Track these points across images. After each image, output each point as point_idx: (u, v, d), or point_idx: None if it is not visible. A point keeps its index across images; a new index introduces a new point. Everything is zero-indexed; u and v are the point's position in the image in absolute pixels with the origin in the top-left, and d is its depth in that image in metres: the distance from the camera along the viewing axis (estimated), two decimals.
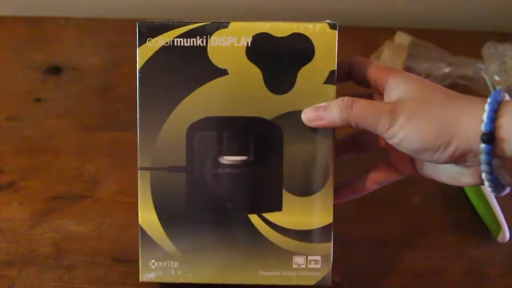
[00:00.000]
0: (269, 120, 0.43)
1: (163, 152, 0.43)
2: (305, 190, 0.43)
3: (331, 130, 0.43)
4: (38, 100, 0.63)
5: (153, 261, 0.45)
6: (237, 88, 0.43)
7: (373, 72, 0.43)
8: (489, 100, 0.37)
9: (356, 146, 0.48)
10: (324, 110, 0.42)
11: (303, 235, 0.44)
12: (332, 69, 0.42)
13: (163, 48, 0.42)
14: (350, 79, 0.45)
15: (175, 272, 0.45)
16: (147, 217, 0.44)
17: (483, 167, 0.37)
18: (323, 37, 0.42)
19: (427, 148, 0.38)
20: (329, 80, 0.42)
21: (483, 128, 0.36)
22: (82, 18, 0.70)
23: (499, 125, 0.36)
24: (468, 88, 0.65)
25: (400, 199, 0.56)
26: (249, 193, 0.44)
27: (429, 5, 0.73)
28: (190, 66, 0.42)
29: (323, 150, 0.43)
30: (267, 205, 0.44)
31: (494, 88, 0.65)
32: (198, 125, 0.43)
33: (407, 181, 0.56)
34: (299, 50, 0.42)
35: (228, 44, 0.42)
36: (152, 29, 0.42)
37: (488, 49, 0.66)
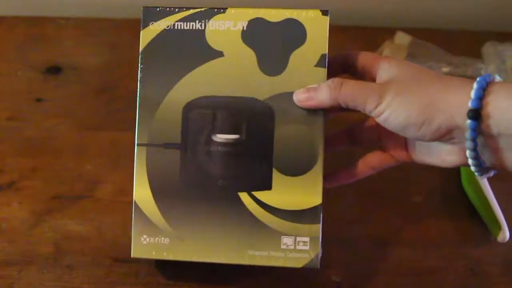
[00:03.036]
0: (261, 100, 0.44)
1: (160, 129, 0.45)
2: (294, 170, 0.44)
3: (321, 112, 0.44)
4: (38, 100, 0.63)
5: (145, 236, 0.45)
6: (232, 69, 0.44)
7: (366, 60, 0.44)
8: (478, 79, 0.37)
9: (351, 138, 0.49)
10: (314, 90, 0.43)
11: (292, 215, 0.44)
12: (323, 53, 0.44)
13: (164, 31, 0.45)
14: (346, 72, 0.46)
15: (165, 249, 0.45)
16: (141, 192, 0.45)
17: (468, 143, 0.38)
18: (315, 22, 0.44)
19: (411, 123, 0.39)
20: (320, 63, 0.44)
21: (470, 104, 0.37)
22: (82, 18, 0.70)
23: (486, 103, 0.36)
24: None
25: (401, 198, 0.56)
26: (239, 171, 0.45)
27: (429, 5, 0.73)
28: (188, 48, 0.45)
29: (314, 131, 0.44)
30: (257, 183, 0.45)
31: None
32: (194, 104, 0.45)
33: (408, 180, 0.57)
34: (291, 34, 0.44)
35: (225, 28, 0.45)
36: (155, 13, 0.45)
37: (488, 49, 0.65)
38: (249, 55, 0.44)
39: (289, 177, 0.44)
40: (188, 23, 0.45)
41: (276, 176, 0.44)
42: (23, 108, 0.62)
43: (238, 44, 0.44)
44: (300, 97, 0.44)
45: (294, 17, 0.44)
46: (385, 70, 0.42)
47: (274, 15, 0.44)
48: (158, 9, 0.45)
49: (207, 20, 0.45)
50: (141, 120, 0.45)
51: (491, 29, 0.69)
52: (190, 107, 0.45)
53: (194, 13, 0.45)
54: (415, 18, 0.73)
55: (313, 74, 0.44)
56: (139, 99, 0.45)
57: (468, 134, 0.37)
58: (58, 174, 0.57)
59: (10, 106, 0.62)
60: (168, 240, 0.45)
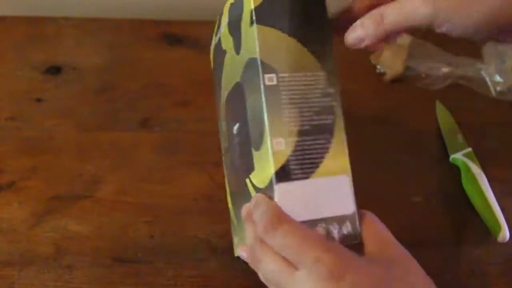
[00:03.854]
0: (239, 81, 0.41)
1: (224, 136, 0.48)
2: (256, 143, 0.39)
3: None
4: (38, 100, 0.63)
5: (235, 237, 0.47)
6: (230, 63, 0.44)
7: None
8: None
9: None
10: (361, 28, 0.37)
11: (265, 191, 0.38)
12: (250, 8, 0.38)
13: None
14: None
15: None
16: (228, 196, 0.49)
17: None
18: None
19: (485, 35, 0.33)
20: (251, 20, 0.38)
21: None
22: (82, 18, 0.70)
23: None
24: (469, 88, 0.65)
25: (401, 199, 0.56)
26: (242, 158, 0.42)
27: None
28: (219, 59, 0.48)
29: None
30: (247, 166, 0.41)
31: (494, 88, 0.65)
32: (224, 105, 0.47)
33: (408, 181, 0.57)
34: (240, 9, 0.41)
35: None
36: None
37: (488, 49, 0.66)
38: (231, 42, 0.43)
39: (258, 152, 0.38)
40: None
41: (253, 154, 0.39)
42: (23, 108, 0.62)
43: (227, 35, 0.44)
44: (350, 42, 0.37)
45: None
46: None
47: None
48: None
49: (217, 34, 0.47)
50: (220, 131, 0.49)
51: None
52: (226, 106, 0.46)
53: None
54: None
55: (250, 35, 0.39)
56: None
57: None
58: (58, 174, 0.57)
59: (10, 106, 0.62)
60: (237, 240, 0.46)
